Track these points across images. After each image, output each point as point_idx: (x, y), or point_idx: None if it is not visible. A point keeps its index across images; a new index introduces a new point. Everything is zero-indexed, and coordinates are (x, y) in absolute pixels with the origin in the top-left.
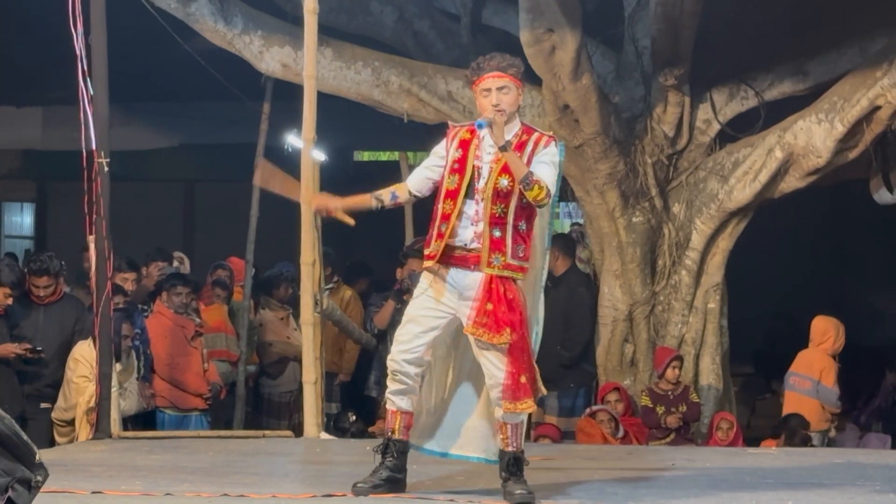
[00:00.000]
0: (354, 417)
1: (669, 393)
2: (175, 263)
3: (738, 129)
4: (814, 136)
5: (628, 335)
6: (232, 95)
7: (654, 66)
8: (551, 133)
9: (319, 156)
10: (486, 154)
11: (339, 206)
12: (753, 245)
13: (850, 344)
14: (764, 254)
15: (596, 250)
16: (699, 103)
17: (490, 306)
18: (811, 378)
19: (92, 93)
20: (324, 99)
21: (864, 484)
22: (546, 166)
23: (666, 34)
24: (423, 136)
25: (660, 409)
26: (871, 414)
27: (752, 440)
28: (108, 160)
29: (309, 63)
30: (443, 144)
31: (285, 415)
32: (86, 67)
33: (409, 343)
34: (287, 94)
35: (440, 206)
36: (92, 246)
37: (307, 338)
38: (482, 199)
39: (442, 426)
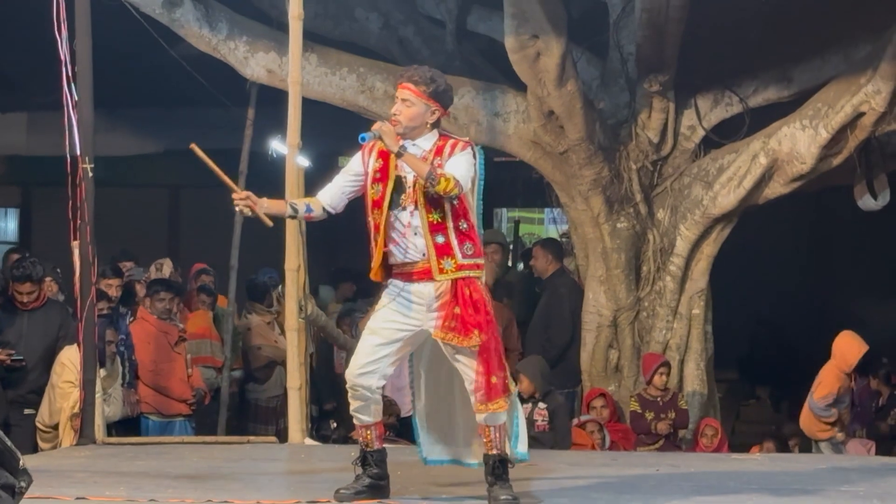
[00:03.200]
0: (335, 424)
1: (658, 399)
2: (157, 269)
3: (723, 135)
4: (798, 143)
5: (613, 341)
6: (217, 101)
7: (639, 72)
8: (468, 139)
9: (304, 161)
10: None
11: (263, 206)
12: (738, 251)
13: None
14: (748, 260)
15: (581, 256)
16: (684, 109)
17: (458, 310)
18: (811, 391)
19: (76, 98)
20: (309, 105)
21: (848, 489)
22: (458, 162)
23: (651, 41)
24: None
25: (649, 415)
26: (853, 420)
27: (737, 446)
28: (92, 165)
29: (294, 69)
30: (357, 159)
31: (271, 420)
32: (70, 73)
33: (369, 356)
34: (272, 100)
35: (370, 217)
36: (76, 251)
37: (292, 343)
38: (415, 210)
39: (445, 435)
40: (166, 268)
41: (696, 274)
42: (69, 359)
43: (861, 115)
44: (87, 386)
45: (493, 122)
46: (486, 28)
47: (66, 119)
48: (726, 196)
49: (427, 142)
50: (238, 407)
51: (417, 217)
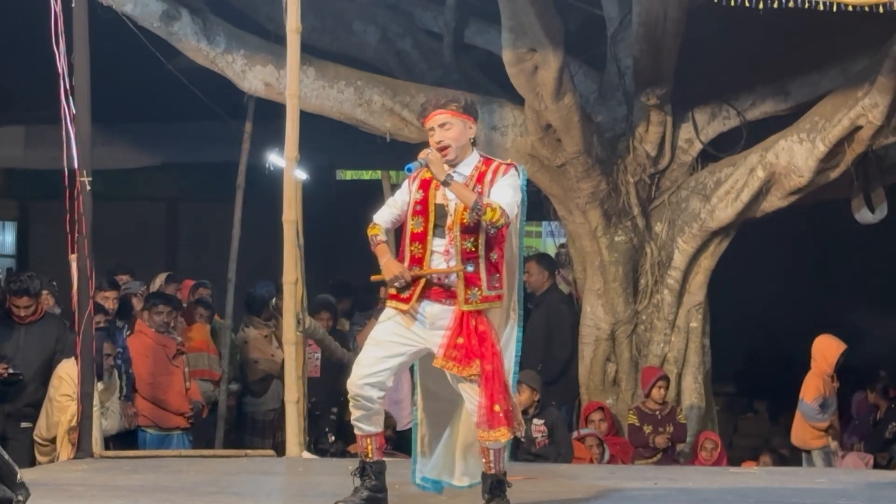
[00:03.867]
0: (333, 438)
1: (657, 413)
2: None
3: (720, 148)
4: (795, 156)
5: (611, 354)
6: (214, 114)
7: (637, 85)
8: (510, 161)
9: (302, 175)
10: (450, 192)
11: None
12: (735, 264)
13: (850, 366)
14: (746, 273)
15: (578, 269)
16: (681, 123)
17: (461, 340)
18: (801, 398)
19: (74, 111)
20: (306, 118)
21: (845, 503)
22: (504, 188)
23: (648, 54)
24: (405, 155)
25: (647, 429)
26: (851, 433)
27: (734, 459)
28: (90, 179)
29: (291, 82)
30: (404, 188)
31: (269, 433)
32: (68, 86)
33: (372, 367)
34: (269, 113)
35: (408, 249)
36: (74, 265)
37: (289, 357)
38: (453, 237)
39: (440, 453)
40: (158, 280)
41: (693, 287)
42: (66, 372)
43: (858, 128)
44: (85, 399)
45: (491, 135)
46: (484, 41)
47: (63, 132)
48: (724, 209)
49: (467, 166)
50: (235, 420)
51: (454, 245)
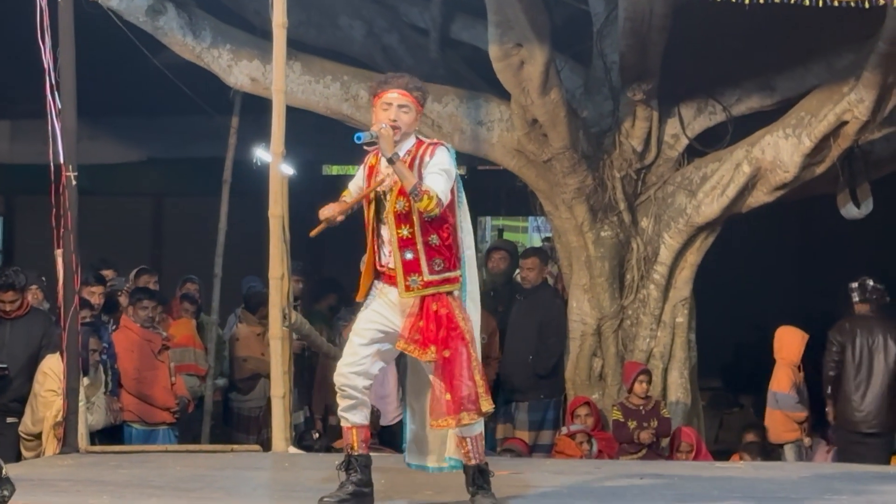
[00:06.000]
0: (318, 435)
1: (641, 408)
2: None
3: (706, 143)
4: (781, 151)
5: (597, 349)
6: (200, 109)
7: (623, 81)
8: (436, 140)
9: (288, 170)
10: (387, 178)
11: (339, 211)
12: (721, 259)
13: (819, 358)
14: (732, 268)
15: (564, 264)
16: (667, 118)
17: (421, 324)
18: (771, 390)
19: (60, 106)
20: (293, 113)
21: (832, 497)
22: (436, 175)
23: (634, 49)
24: None
25: (632, 424)
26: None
27: (720, 454)
28: (75, 174)
29: (278, 77)
30: (360, 172)
31: (254, 429)
32: (54, 81)
33: (354, 356)
34: (256, 108)
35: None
36: (60, 260)
37: (275, 352)
38: (387, 224)
39: (424, 439)
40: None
41: (679, 282)
42: (51, 368)
43: (844, 123)
44: (71, 394)
45: (477, 130)
46: (470, 36)
47: (49, 127)
48: (710, 205)
49: (402, 150)
50: (222, 416)
51: (389, 233)
